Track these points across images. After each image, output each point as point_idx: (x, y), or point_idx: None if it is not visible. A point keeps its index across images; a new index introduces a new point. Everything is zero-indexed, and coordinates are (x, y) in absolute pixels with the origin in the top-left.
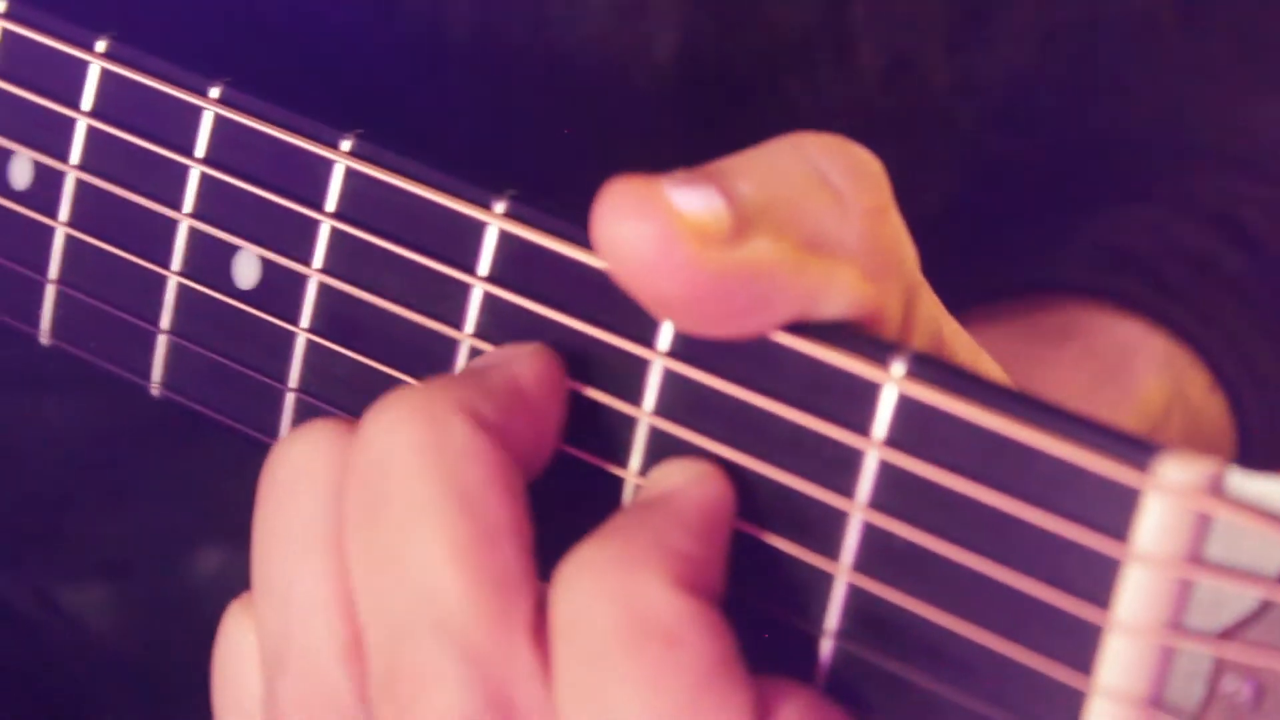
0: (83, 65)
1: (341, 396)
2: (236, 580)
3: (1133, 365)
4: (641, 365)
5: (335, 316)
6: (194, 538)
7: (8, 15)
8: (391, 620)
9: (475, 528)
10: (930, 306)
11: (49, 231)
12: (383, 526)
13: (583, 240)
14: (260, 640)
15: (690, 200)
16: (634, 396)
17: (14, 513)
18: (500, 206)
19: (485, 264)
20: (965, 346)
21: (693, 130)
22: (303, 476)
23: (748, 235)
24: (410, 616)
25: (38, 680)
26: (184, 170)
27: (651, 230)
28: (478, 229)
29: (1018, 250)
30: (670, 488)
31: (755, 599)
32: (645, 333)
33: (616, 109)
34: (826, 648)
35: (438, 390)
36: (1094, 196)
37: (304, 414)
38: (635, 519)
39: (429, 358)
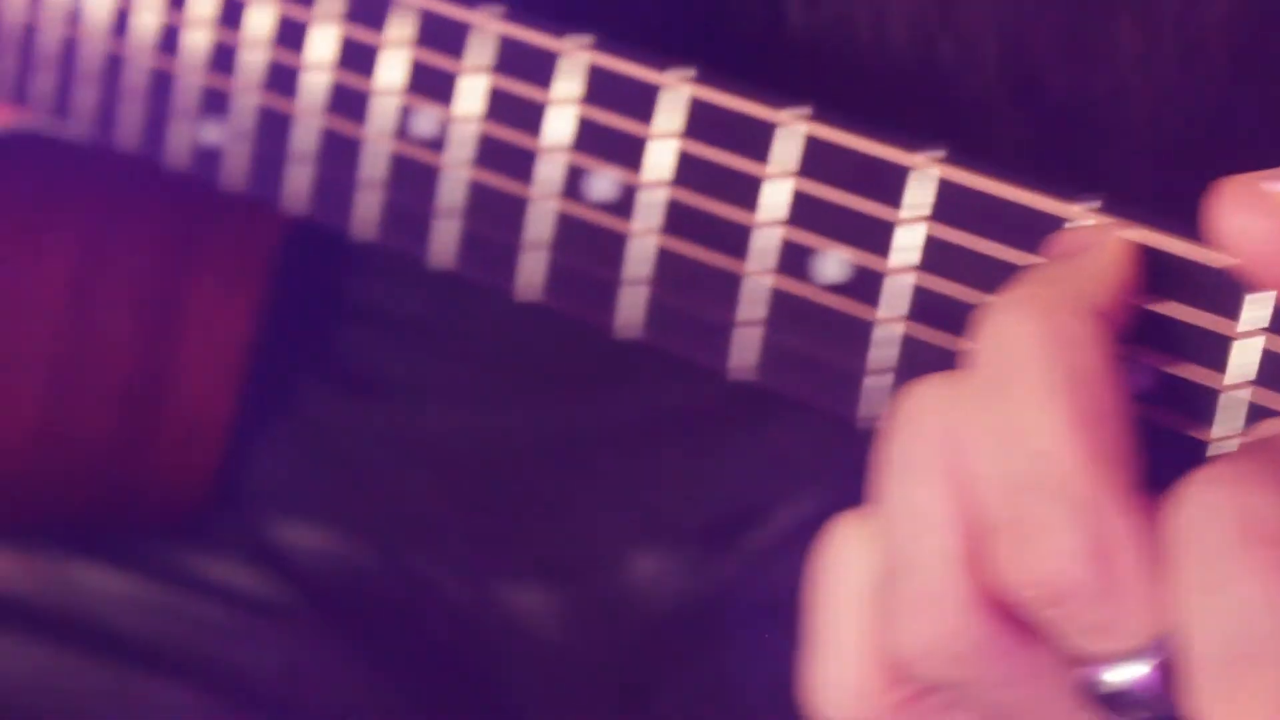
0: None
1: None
2: (673, 583)
3: None
4: (1228, 342)
5: (923, 306)
6: (629, 541)
7: (597, 46)
8: (1012, 479)
9: (1092, 405)
10: None
11: (636, 238)
12: (1007, 400)
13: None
14: (882, 555)
15: None
16: (1221, 368)
17: (464, 513)
18: (1093, 204)
19: None
20: None
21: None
22: (922, 413)
23: None
24: (1029, 476)
25: (470, 673)
26: (764, 182)
27: (1269, 223)
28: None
29: None
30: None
31: None
32: (1231, 312)
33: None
34: None
35: (1052, 287)
36: None
37: (881, 395)
38: (1250, 453)
39: None
